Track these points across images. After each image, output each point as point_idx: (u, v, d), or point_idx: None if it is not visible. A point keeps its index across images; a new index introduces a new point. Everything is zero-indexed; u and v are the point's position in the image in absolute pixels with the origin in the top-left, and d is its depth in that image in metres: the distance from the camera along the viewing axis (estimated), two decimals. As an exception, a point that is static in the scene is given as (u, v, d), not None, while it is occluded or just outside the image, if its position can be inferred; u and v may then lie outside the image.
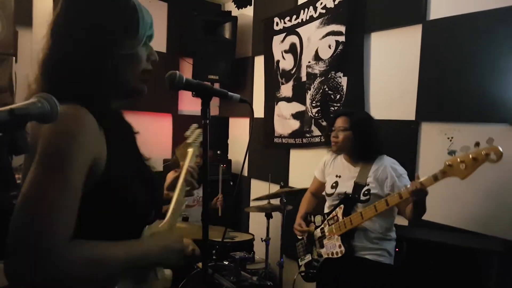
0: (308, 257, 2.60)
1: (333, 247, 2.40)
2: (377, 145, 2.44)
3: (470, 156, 1.85)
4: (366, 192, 2.36)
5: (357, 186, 2.39)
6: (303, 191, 3.00)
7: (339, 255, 2.36)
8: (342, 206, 2.41)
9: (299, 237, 2.70)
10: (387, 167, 2.36)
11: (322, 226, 2.52)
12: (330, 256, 2.41)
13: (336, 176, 2.56)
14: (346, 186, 2.45)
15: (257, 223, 4.10)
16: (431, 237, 2.23)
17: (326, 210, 2.57)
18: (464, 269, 2.01)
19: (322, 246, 2.49)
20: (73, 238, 0.86)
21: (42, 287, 0.81)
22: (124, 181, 1.00)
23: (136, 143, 1.16)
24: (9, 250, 0.79)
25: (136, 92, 1.10)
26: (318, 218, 2.57)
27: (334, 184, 2.53)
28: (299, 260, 2.68)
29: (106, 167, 0.95)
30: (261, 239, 3.16)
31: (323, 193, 2.67)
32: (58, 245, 0.81)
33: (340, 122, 2.48)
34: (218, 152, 4.42)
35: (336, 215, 2.42)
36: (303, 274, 2.63)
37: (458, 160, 1.89)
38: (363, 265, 2.33)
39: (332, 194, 2.52)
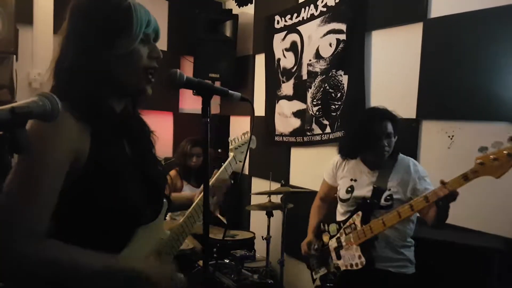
0: (323, 270, 2.39)
1: (352, 258, 2.21)
2: (397, 147, 2.30)
3: (505, 152, 1.66)
4: (388, 197, 2.20)
5: (377, 191, 2.22)
6: (305, 192, 2.99)
7: (359, 266, 2.17)
8: (360, 212, 2.23)
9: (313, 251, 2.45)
10: (409, 169, 2.24)
11: (338, 235, 2.32)
12: (349, 268, 2.22)
13: (351, 180, 2.36)
14: (364, 191, 2.28)
15: (258, 221, 4.10)
16: (432, 235, 2.23)
17: (339, 218, 2.39)
18: (466, 267, 2.01)
19: (339, 257, 2.29)
20: (55, 237, 0.92)
21: (3, 275, 0.88)
22: (109, 174, 1.01)
23: (148, 140, 1.20)
24: None
25: (138, 90, 1.11)
26: (333, 227, 2.37)
27: (349, 189, 2.34)
28: (313, 273, 2.49)
29: (88, 159, 0.97)
30: (262, 237, 3.17)
31: (336, 198, 2.48)
32: (22, 239, 0.86)
33: (391, 128, 2.26)
34: (219, 150, 4.42)
35: (354, 223, 2.24)
36: (318, 287, 2.46)
37: (491, 157, 1.70)
38: (385, 278, 2.18)
39: (347, 199, 2.33)
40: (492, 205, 2.30)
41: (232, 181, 4.35)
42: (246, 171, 4.38)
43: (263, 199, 3.22)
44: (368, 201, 2.22)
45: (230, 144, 1.68)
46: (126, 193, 1.03)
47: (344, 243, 2.27)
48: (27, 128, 0.86)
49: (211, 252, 3.12)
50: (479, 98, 2.34)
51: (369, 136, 2.23)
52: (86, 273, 0.93)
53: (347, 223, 2.28)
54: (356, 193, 2.30)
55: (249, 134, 1.66)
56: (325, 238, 2.40)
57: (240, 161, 1.64)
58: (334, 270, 2.31)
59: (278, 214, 3.17)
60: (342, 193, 2.38)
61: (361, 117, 2.43)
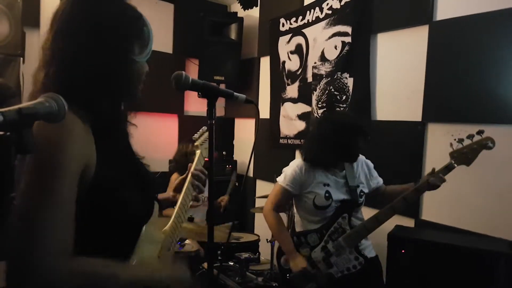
0: (312, 286, 2.20)
1: (347, 262, 2.16)
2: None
3: (475, 146, 2.00)
4: (361, 193, 2.28)
5: (353, 190, 2.25)
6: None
7: (359, 267, 2.15)
8: (345, 215, 2.19)
9: (286, 268, 2.26)
10: (366, 162, 2.39)
11: (323, 244, 2.20)
12: (346, 272, 2.16)
13: (325, 185, 2.24)
14: (341, 193, 2.25)
15: (262, 224, 4.08)
16: (437, 238, 2.22)
17: (311, 226, 2.26)
18: (471, 271, 1.99)
19: (330, 266, 2.18)
20: (76, 252, 0.88)
21: None
22: (115, 183, 1.00)
23: (130, 145, 1.17)
24: (8, 258, 0.83)
25: (134, 98, 1.12)
26: (313, 237, 2.22)
27: (327, 195, 2.21)
28: None
29: (96, 171, 0.95)
30: (267, 240, 3.16)
31: (304, 208, 2.30)
32: (47, 263, 0.83)
33: None
34: (223, 152, 4.43)
35: (341, 227, 2.18)
36: None
37: (464, 150, 2.02)
38: (374, 264, 2.30)
39: (327, 206, 2.21)
40: (497, 208, 2.29)
41: (237, 184, 4.35)
42: (251, 173, 4.38)
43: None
44: (352, 201, 2.24)
45: (194, 140, 1.68)
46: (129, 199, 1.03)
47: (333, 250, 2.17)
48: (37, 134, 0.85)
49: (216, 254, 3.11)
50: (485, 100, 2.33)
51: (352, 147, 2.23)
52: (125, 284, 0.93)
53: (332, 229, 2.19)
54: (335, 197, 2.22)
55: (205, 129, 1.66)
56: (305, 250, 2.23)
57: (205, 158, 1.63)
58: (326, 280, 2.18)
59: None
60: (320, 201, 2.22)
61: (338, 126, 2.25)
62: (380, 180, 2.43)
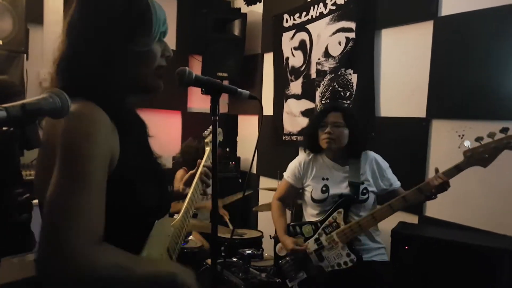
0: (301, 275, 2.29)
1: (338, 257, 2.19)
2: (366, 141, 2.41)
3: (492, 145, 1.84)
4: (364, 191, 2.25)
5: (354, 186, 2.25)
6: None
7: (349, 264, 2.16)
8: (341, 210, 2.22)
9: (281, 255, 2.38)
10: (376, 160, 2.34)
11: (316, 236, 2.26)
12: (337, 267, 2.19)
13: (323, 179, 2.34)
14: (340, 188, 2.28)
15: (265, 220, 4.10)
16: (441, 235, 2.21)
17: (311, 218, 2.35)
18: (474, 268, 1.99)
19: (321, 259, 2.23)
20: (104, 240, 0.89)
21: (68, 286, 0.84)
22: (135, 176, 1.00)
23: (148, 140, 1.16)
24: (40, 252, 0.83)
25: (152, 88, 1.10)
26: (308, 228, 2.29)
27: (324, 188, 2.31)
28: (287, 281, 2.35)
29: (119, 163, 0.95)
30: (270, 236, 3.16)
31: (301, 200, 2.47)
32: (82, 250, 0.83)
33: (334, 117, 2.32)
34: (227, 149, 4.43)
35: (335, 221, 2.21)
36: None
37: (480, 150, 1.87)
38: (373, 268, 2.22)
39: (324, 199, 2.30)
40: (501, 205, 2.28)
41: (240, 180, 4.36)
42: (254, 170, 4.38)
43: (271, 198, 3.21)
44: (349, 197, 2.23)
45: (204, 137, 1.68)
46: (147, 193, 1.03)
47: (326, 243, 2.22)
48: (65, 126, 0.86)
49: (219, 250, 3.12)
50: (489, 97, 2.32)
51: (311, 126, 2.40)
52: (141, 277, 0.93)
53: (327, 222, 2.24)
54: (332, 191, 2.28)
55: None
56: (299, 240, 2.31)
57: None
58: (316, 272, 2.23)
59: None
60: (316, 194, 2.32)
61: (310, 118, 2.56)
62: (396, 183, 2.35)
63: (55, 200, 0.84)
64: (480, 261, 1.98)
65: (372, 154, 2.37)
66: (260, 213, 4.30)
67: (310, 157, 2.44)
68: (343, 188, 2.27)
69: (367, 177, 2.29)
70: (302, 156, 2.46)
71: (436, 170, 1.98)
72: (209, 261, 2.94)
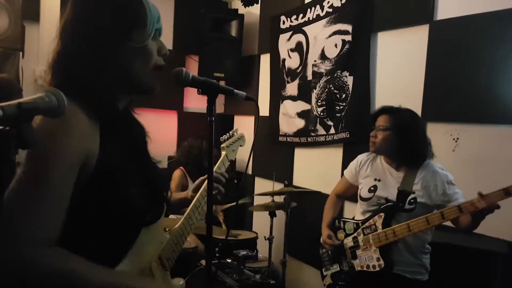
0: (335, 267, 2.37)
1: (369, 259, 2.19)
2: (422, 148, 2.21)
3: None
4: (412, 200, 2.13)
5: (402, 194, 2.15)
6: (308, 193, 2.97)
7: (377, 269, 2.14)
8: (382, 214, 2.18)
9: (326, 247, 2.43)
10: (436, 173, 2.17)
11: (355, 234, 2.29)
12: (365, 269, 2.19)
13: (375, 179, 2.31)
14: (388, 192, 2.22)
15: (260, 221, 4.10)
16: (435, 238, 2.22)
17: (358, 216, 2.36)
18: (468, 270, 2.00)
19: (354, 257, 2.27)
20: (64, 243, 0.87)
21: (10, 283, 0.83)
22: (117, 177, 0.98)
23: (143, 142, 1.15)
24: None
25: (148, 89, 1.09)
26: (350, 225, 2.34)
27: (372, 188, 2.28)
28: (323, 269, 2.45)
29: (98, 163, 0.94)
30: (265, 237, 3.16)
31: (351, 196, 2.49)
32: (26, 251, 0.82)
33: (381, 121, 2.26)
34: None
35: (374, 224, 2.20)
36: (330, 285, 2.38)
37: None
38: (400, 283, 2.14)
39: (369, 198, 2.28)
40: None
41: (235, 181, 4.36)
42: (250, 171, 4.38)
43: (266, 199, 3.22)
44: (393, 203, 2.17)
45: (221, 141, 1.66)
46: (132, 196, 1.00)
47: (361, 243, 2.25)
48: (37, 125, 0.85)
49: (214, 251, 3.12)
50: (484, 100, 2.33)
51: (370, 128, 2.35)
52: (97, 287, 0.89)
53: (367, 224, 2.24)
54: (379, 193, 2.25)
55: (238, 132, 1.64)
56: (340, 235, 2.38)
57: (232, 160, 1.62)
58: (348, 269, 2.30)
59: (281, 214, 3.17)
60: (364, 192, 2.33)
61: None
62: (458, 200, 2.09)
63: (8, 196, 0.83)
64: (474, 264, 2.00)
65: (433, 165, 2.22)
66: (255, 213, 4.30)
67: (369, 156, 2.44)
68: (392, 193, 2.20)
69: (419, 187, 2.16)
70: (363, 155, 2.49)
71: (480, 194, 1.87)
72: (203, 262, 2.93)
